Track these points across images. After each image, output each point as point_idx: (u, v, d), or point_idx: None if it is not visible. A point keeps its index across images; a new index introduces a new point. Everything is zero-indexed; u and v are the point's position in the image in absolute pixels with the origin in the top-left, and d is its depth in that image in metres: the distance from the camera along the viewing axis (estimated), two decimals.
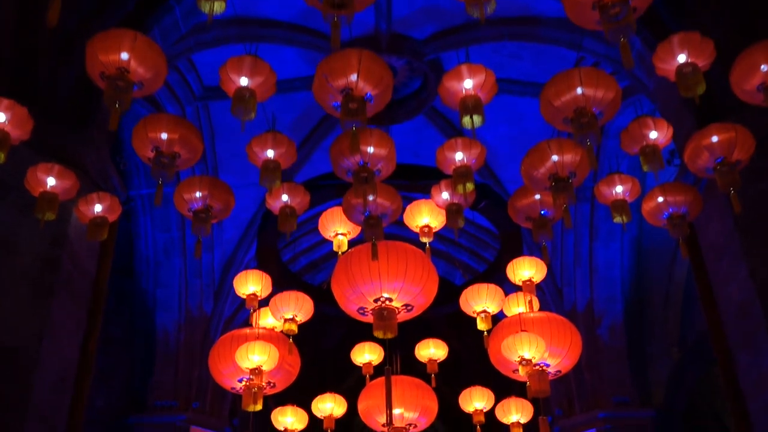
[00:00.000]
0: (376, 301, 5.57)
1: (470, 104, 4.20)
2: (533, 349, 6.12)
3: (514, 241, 8.11)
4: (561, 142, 4.59)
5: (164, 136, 4.23)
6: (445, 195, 5.35)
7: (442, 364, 8.37)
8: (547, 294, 11.47)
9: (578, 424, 11.09)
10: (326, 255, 12.36)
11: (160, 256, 11.55)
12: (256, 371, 6.30)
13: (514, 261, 7.00)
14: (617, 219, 4.94)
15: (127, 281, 11.82)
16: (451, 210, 5.22)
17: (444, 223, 6.55)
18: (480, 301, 6.64)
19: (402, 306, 5.67)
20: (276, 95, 8.61)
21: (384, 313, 5.60)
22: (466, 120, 4.29)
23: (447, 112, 10.66)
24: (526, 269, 6.96)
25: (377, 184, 4.26)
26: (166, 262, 11.54)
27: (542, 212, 5.02)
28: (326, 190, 7.67)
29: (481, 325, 6.61)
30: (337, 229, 6.51)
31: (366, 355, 8.59)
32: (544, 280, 7.43)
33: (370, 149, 4.10)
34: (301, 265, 12.67)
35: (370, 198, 4.24)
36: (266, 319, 7.34)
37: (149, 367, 11.45)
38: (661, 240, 11.50)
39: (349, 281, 5.63)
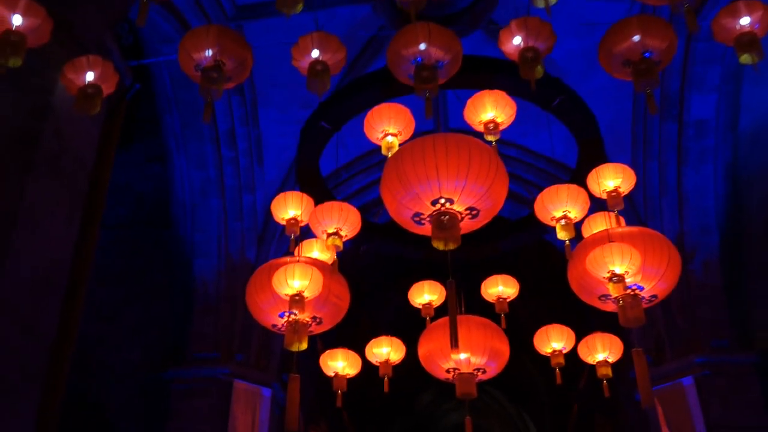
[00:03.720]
0: (433, 203, 4.70)
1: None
2: (626, 263, 5.21)
3: (594, 148, 7.14)
4: None
5: None
6: (518, 40, 4.40)
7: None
8: None
9: (670, 372, 10.02)
10: (378, 198, 11.55)
11: (197, 198, 10.94)
12: (297, 298, 5.54)
13: (597, 169, 6.08)
14: (744, 58, 3.94)
15: (164, 232, 11.34)
16: (526, 57, 4.29)
17: (512, 117, 5.68)
18: (560, 204, 5.71)
19: (465, 210, 4.77)
20: (316, 11, 7.76)
21: (444, 220, 4.74)
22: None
23: None
24: (611, 178, 6.05)
25: (430, 26, 3.38)
26: (204, 204, 10.92)
27: (645, 54, 4.06)
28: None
29: (561, 234, 5.69)
30: (387, 128, 5.67)
31: (425, 295, 7.80)
32: (625, 212, 6.50)
33: None
34: None
35: (422, 47, 3.35)
36: (311, 253, 6.63)
37: (188, 317, 10.89)
38: (760, 166, 10.35)
39: (401, 181, 4.78)
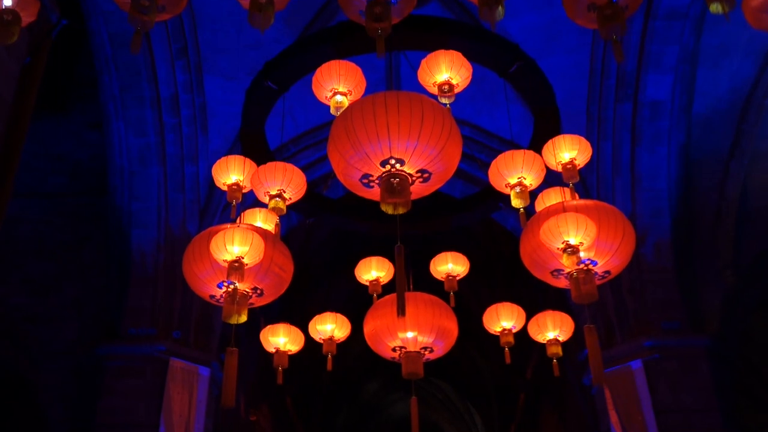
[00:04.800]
0: (383, 164, 4.47)
1: None
2: (581, 233, 5.06)
3: (550, 119, 6.99)
4: None
5: None
6: None
7: None
8: None
9: (620, 355, 9.89)
10: (329, 173, 11.24)
11: (135, 166, 10.46)
12: (236, 265, 5.26)
13: (553, 140, 5.92)
14: (714, 8, 3.78)
15: (101, 201, 10.88)
16: None
17: (468, 79, 5.47)
18: (515, 170, 5.52)
19: (416, 172, 4.56)
20: None
21: (394, 183, 4.51)
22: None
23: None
24: (567, 150, 5.89)
25: None
26: (142, 172, 10.45)
27: None
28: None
29: (516, 201, 5.51)
30: (336, 86, 5.41)
31: (373, 271, 7.58)
32: (578, 193, 6.37)
33: None
34: None
35: None
36: (254, 222, 6.35)
37: (125, 291, 10.45)
38: (712, 150, 10.38)
39: (350, 140, 4.52)
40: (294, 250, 6.31)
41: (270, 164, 5.58)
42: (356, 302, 10.38)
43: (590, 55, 10.19)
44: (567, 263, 5.11)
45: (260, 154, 6.64)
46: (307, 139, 11.17)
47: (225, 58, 10.12)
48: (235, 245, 5.26)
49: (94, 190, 11.17)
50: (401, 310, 4.47)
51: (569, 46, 10.12)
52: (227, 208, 9.52)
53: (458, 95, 5.87)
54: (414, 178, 4.56)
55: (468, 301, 15.33)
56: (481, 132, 11.31)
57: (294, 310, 11.56)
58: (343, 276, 13.45)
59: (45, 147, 11.87)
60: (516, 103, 9.88)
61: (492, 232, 14.14)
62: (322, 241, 15.40)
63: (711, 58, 10.10)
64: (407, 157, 4.44)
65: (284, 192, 5.53)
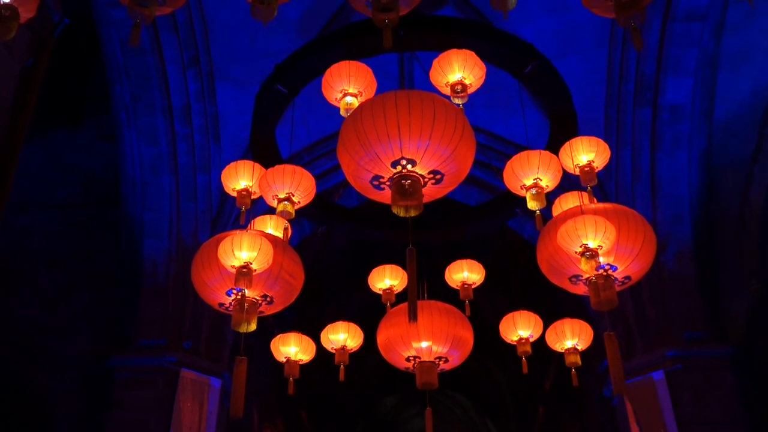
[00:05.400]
0: (394, 165, 4.35)
1: None
2: (600, 236, 4.91)
3: (566, 122, 6.83)
4: None
5: None
6: None
7: None
8: None
9: (641, 366, 9.68)
10: (341, 182, 11.12)
11: (147, 175, 10.43)
12: (244, 271, 5.15)
13: (571, 142, 5.78)
14: None
15: (112, 212, 10.87)
16: None
17: (482, 79, 5.35)
18: (530, 172, 5.37)
19: (428, 174, 4.43)
20: None
21: (405, 185, 4.39)
22: None
23: (479, 3, 9.38)
24: (585, 152, 5.75)
25: None
26: (154, 182, 10.42)
27: None
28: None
29: (532, 203, 5.37)
30: (346, 87, 5.31)
31: (386, 279, 7.46)
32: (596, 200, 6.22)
33: None
34: None
35: None
36: (264, 229, 6.25)
37: (136, 302, 10.40)
38: (734, 155, 10.16)
39: (360, 140, 4.41)
40: (309, 259, 6.19)
41: (278, 167, 5.48)
42: (371, 312, 10.24)
43: (608, 59, 10.04)
44: (585, 268, 4.97)
45: (270, 160, 6.54)
46: (321, 148, 11.09)
47: (237, 66, 10.09)
48: (243, 251, 5.15)
49: (106, 201, 11.23)
50: (413, 315, 4.33)
51: (585, 50, 9.99)
52: (239, 217, 9.47)
53: (473, 102, 5.75)
54: (426, 180, 4.44)
55: (484, 310, 15.15)
56: (497, 139, 11.18)
57: (309, 320, 11.44)
58: (358, 286, 13.32)
59: (57, 158, 11.92)
60: (532, 109, 9.73)
61: (508, 240, 13.98)
62: (337, 251, 15.29)
63: (731, 61, 9.91)
64: (419, 158, 4.33)
65: (293, 195, 5.43)
